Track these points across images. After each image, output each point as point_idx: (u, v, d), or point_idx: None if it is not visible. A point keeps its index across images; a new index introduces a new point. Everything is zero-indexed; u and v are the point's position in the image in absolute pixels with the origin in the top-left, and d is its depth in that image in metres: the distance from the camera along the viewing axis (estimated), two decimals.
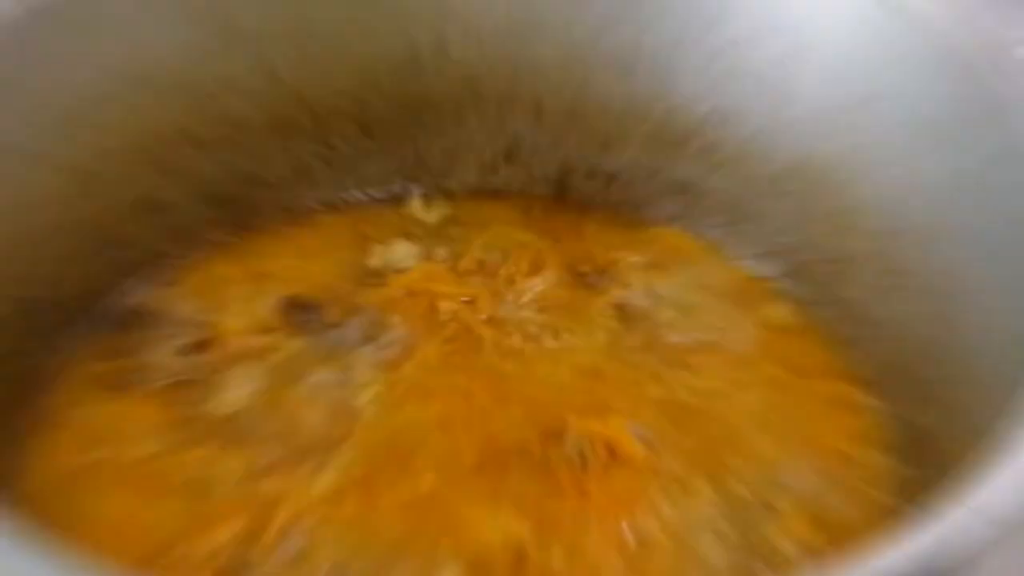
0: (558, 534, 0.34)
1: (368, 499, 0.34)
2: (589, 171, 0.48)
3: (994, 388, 0.32)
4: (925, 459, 0.36)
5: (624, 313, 0.41)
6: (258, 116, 0.43)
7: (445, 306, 0.41)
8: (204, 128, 0.43)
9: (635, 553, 0.34)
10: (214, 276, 0.41)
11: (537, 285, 0.42)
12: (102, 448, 0.36)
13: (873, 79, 0.41)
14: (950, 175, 0.39)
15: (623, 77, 0.45)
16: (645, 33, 0.44)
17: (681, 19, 0.43)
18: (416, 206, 0.45)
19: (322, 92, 0.45)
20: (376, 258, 0.42)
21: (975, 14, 0.40)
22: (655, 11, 0.44)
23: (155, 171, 0.41)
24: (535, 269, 0.42)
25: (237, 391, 0.37)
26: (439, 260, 0.42)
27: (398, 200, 0.46)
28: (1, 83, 0.37)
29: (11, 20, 0.36)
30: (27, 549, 0.21)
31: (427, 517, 0.34)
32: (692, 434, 0.37)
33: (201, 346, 0.38)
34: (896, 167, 0.41)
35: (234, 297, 0.40)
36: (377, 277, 0.41)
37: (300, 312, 0.39)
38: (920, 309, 0.39)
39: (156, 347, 0.38)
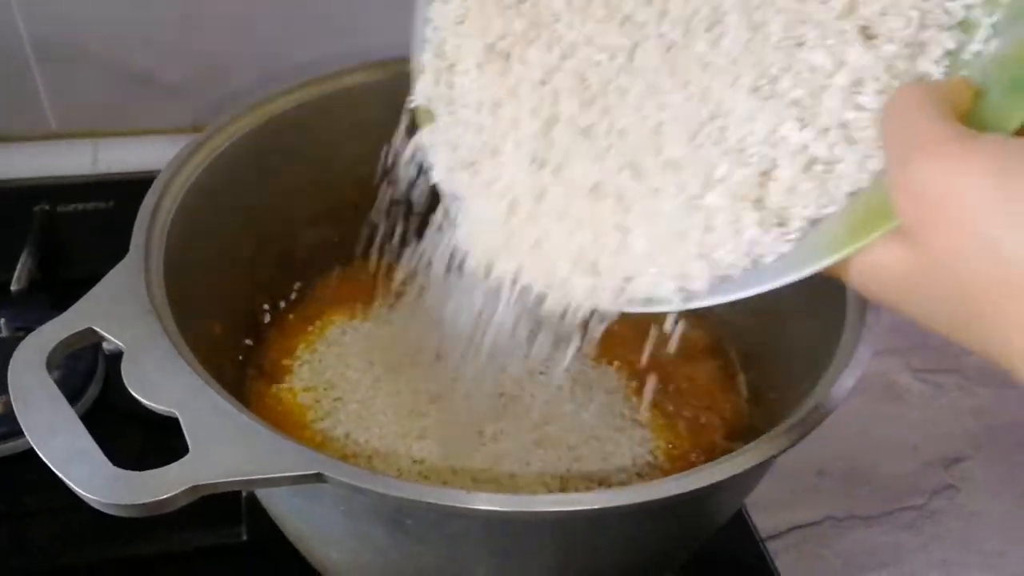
0: None
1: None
2: None
3: (799, 368, 0.46)
4: (762, 402, 0.54)
5: None
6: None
7: None
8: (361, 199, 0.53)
9: None
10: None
11: None
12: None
13: None
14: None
15: None
16: None
17: None
18: None
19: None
20: None
21: None
22: None
23: (333, 224, 0.58)
24: None
25: None
26: None
27: None
28: (274, 154, 0.53)
29: (281, 114, 0.52)
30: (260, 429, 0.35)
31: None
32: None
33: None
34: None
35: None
36: None
37: None
38: (760, 326, 0.54)
39: None
